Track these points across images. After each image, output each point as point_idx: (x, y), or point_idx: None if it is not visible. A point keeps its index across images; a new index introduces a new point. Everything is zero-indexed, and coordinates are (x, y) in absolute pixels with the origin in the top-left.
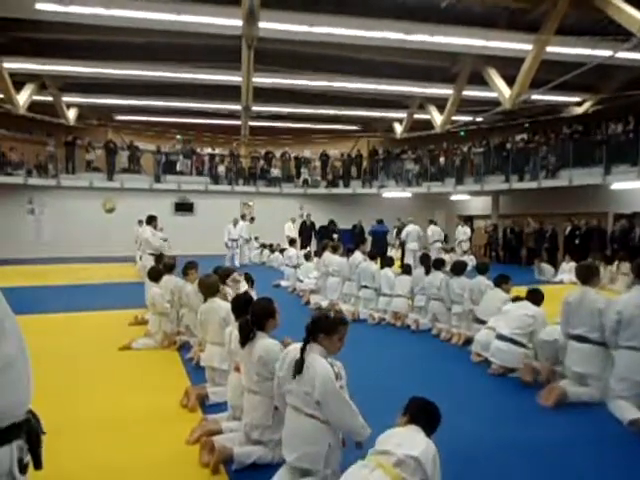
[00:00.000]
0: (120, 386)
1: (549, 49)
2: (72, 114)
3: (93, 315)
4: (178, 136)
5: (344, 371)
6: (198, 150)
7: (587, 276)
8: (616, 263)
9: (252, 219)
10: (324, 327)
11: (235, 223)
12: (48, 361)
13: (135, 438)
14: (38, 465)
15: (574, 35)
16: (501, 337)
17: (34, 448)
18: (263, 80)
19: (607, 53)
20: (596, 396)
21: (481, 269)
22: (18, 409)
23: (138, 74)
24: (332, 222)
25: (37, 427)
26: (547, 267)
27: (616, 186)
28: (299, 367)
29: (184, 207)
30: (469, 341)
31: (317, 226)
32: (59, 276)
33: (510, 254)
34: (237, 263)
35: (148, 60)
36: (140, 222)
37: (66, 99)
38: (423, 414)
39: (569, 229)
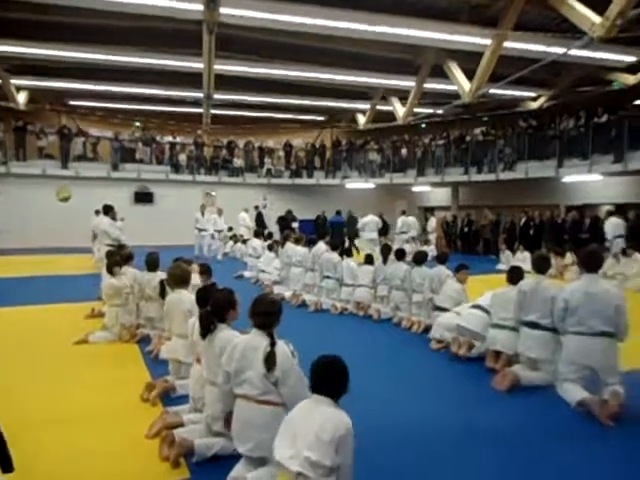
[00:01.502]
0: (77, 381)
1: (507, 44)
2: (22, 98)
3: (47, 308)
4: (137, 123)
5: (296, 351)
6: (158, 138)
7: (542, 266)
8: (567, 255)
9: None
10: (277, 314)
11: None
12: (2, 356)
13: (94, 433)
14: (8, 468)
15: (531, 31)
16: (475, 307)
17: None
18: (225, 67)
19: (561, 50)
20: (547, 380)
21: (441, 259)
22: None
23: (94, 57)
24: (290, 212)
25: None
26: (511, 256)
27: (568, 179)
28: (272, 361)
29: (144, 197)
30: (428, 329)
31: (264, 216)
32: (10, 268)
33: (468, 244)
34: (220, 256)
35: (105, 43)
36: (97, 212)
37: (15, 82)
38: (324, 379)
39: (524, 220)
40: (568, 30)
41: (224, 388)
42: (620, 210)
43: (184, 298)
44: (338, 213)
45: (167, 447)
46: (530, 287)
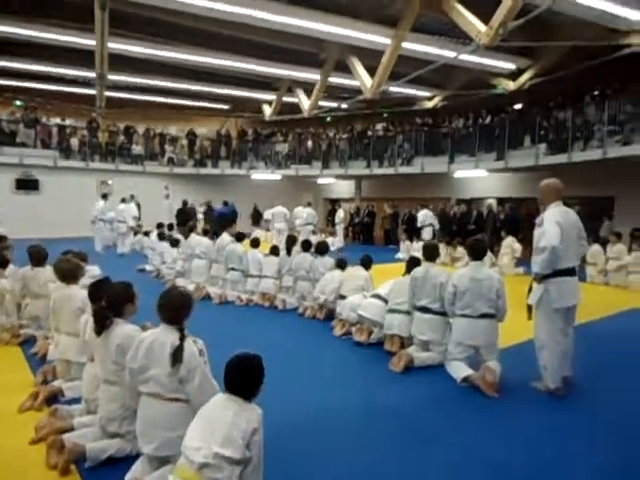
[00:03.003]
0: None
1: (405, 45)
2: None
3: None
4: (18, 102)
5: (205, 348)
6: (44, 120)
7: (431, 254)
8: (458, 248)
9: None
10: (188, 308)
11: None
12: None
13: None
14: None
15: (427, 34)
16: (375, 296)
17: None
18: (121, 46)
19: (452, 54)
20: (437, 359)
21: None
22: None
23: None
24: (185, 203)
25: None
26: (411, 246)
27: (458, 174)
28: (179, 356)
29: (27, 184)
30: (332, 316)
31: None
32: None
33: (369, 235)
34: (126, 249)
35: None
36: None
37: None
38: (238, 380)
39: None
40: (460, 36)
41: (130, 384)
42: (501, 203)
43: (74, 294)
44: (225, 204)
45: (56, 453)
46: (421, 274)
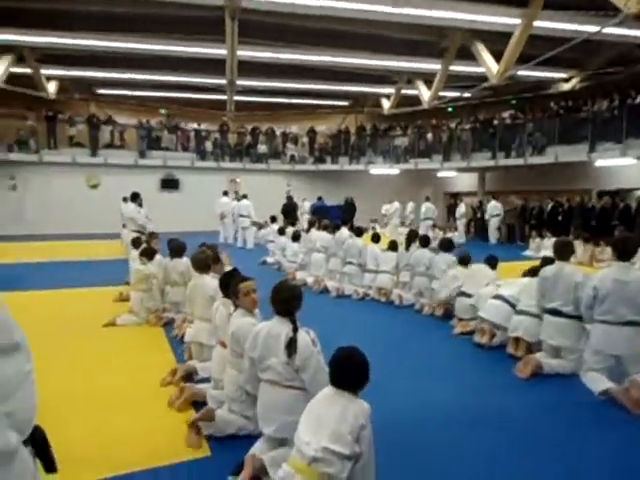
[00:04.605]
0: (106, 363)
1: (536, 24)
2: (52, 87)
3: (77, 292)
4: (162, 111)
5: (317, 339)
6: (182, 125)
7: (563, 252)
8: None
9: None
10: (298, 300)
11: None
12: (32, 338)
13: (122, 414)
14: (52, 468)
15: (561, 10)
16: (498, 297)
17: (43, 452)
18: (248, 53)
19: (594, 28)
20: (569, 368)
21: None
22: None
23: (120, 46)
24: (290, 198)
25: (42, 431)
26: (542, 243)
27: (600, 163)
28: (294, 347)
29: (170, 184)
30: (450, 315)
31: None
32: (42, 253)
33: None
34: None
35: (130, 31)
36: (125, 199)
37: (45, 72)
38: (343, 374)
39: (551, 206)
40: (601, 7)
41: (250, 372)
42: None
43: (207, 283)
44: (320, 199)
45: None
46: (552, 273)
